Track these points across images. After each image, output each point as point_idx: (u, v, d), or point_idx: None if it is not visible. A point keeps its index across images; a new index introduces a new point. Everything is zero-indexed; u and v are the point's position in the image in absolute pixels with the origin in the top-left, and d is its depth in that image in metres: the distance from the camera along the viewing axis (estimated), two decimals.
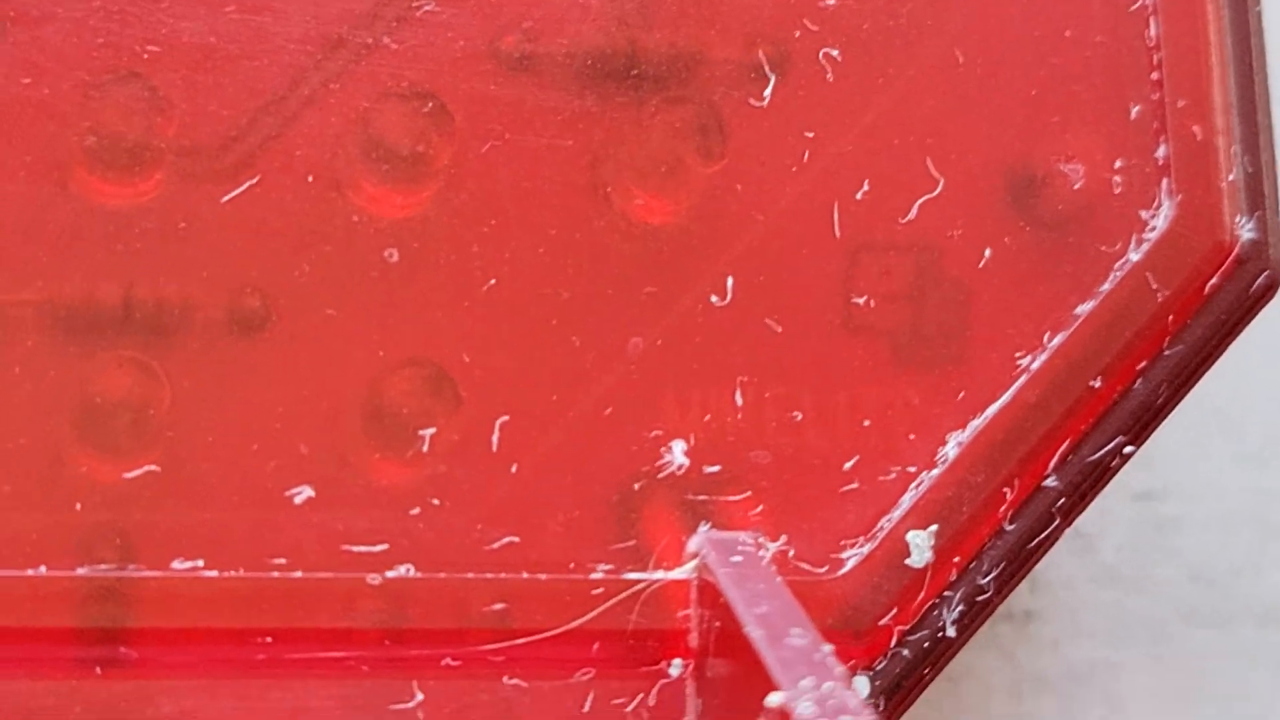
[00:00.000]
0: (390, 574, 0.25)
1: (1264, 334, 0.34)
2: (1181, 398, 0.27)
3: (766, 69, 0.26)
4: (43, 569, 0.25)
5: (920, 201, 0.26)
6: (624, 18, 0.26)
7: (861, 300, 0.26)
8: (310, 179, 0.26)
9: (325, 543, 0.25)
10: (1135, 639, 0.34)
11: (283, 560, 0.25)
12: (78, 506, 0.25)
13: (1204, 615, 0.34)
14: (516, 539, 0.26)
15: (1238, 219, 0.26)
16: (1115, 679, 0.34)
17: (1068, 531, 0.30)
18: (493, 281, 0.26)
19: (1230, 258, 0.27)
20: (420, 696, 0.25)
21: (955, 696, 0.33)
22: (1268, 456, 0.34)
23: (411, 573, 0.25)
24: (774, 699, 0.22)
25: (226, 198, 0.26)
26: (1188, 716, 0.33)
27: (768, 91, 0.26)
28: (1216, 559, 0.34)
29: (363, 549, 0.25)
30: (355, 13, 0.26)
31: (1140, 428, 0.26)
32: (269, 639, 0.25)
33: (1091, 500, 0.26)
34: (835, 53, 0.27)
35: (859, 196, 0.26)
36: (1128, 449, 0.26)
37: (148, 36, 0.26)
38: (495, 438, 0.26)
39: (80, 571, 0.25)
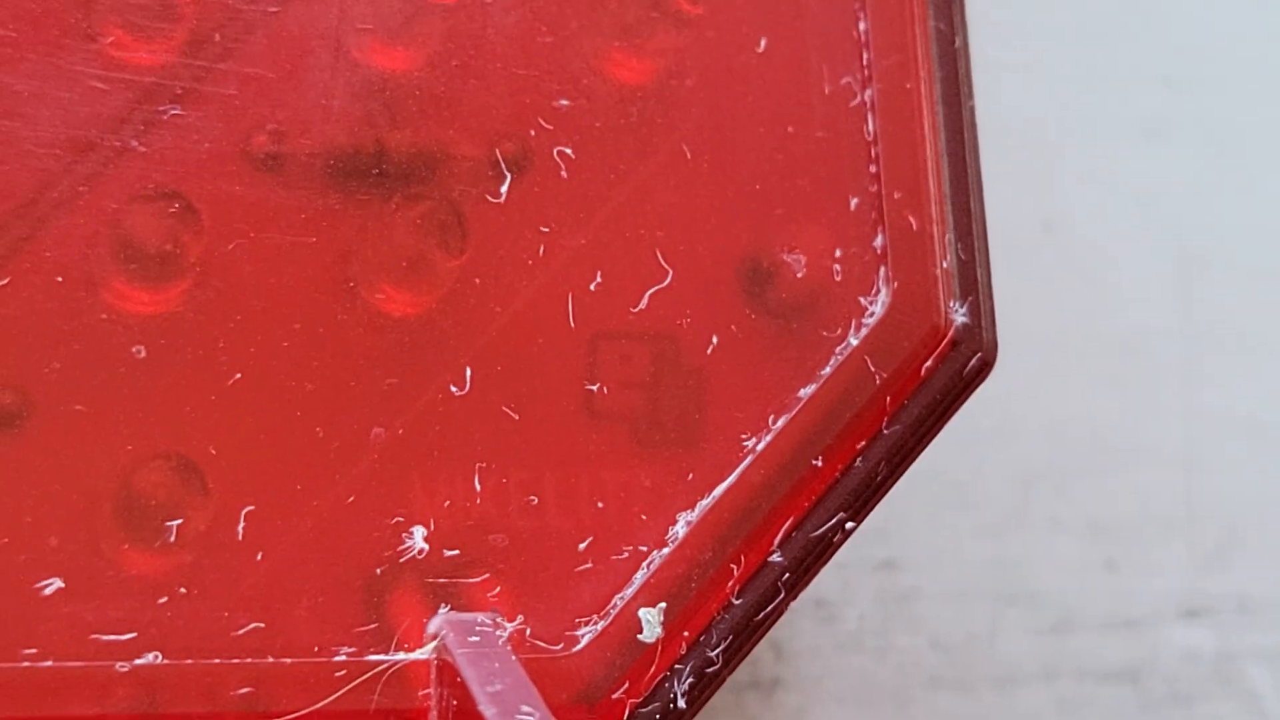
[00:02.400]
0: (139, 661, 0.26)
1: (997, 410, 0.36)
2: (900, 475, 0.27)
3: (504, 167, 0.27)
4: None
5: (651, 291, 0.27)
6: (369, 118, 0.27)
7: (596, 387, 0.27)
8: (60, 279, 0.26)
9: (75, 632, 0.26)
10: (879, 704, 0.35)
11: (33, 650, 0.25)
12: None
13: (945, 680, 0.35)
14: (263, 624, 0.26)
15: (951, 304, 0.27)
16: None
17: (812, 601, 0.31)
18: (239, 375, 0.26)
19: (944, 341, 0.27)
20: None
21: None
22: (1003, 528, 0.35)
23: (160, 659, 0.26)
24: None
25: None
26: None
27: (504, 188, 0.27)
28: (955, 626, 0.35)
29: (112, 637, 0.26)
30: (104, 117, 0.27)
31: (861, 504, 0.27)
32: None
33: (815, 574, 0.27)
34: (569, 150, 0.27)
35: (593, 288, 0.27)
36: (849, 525, 0.27)
37: None
38: (241, 527, 0.26)
39: None
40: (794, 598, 0.27)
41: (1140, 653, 0.35)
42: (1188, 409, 0.36)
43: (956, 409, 0.28)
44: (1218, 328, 0.36)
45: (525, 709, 0.24)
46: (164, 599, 0.26)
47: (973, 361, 0.28)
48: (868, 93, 0.28)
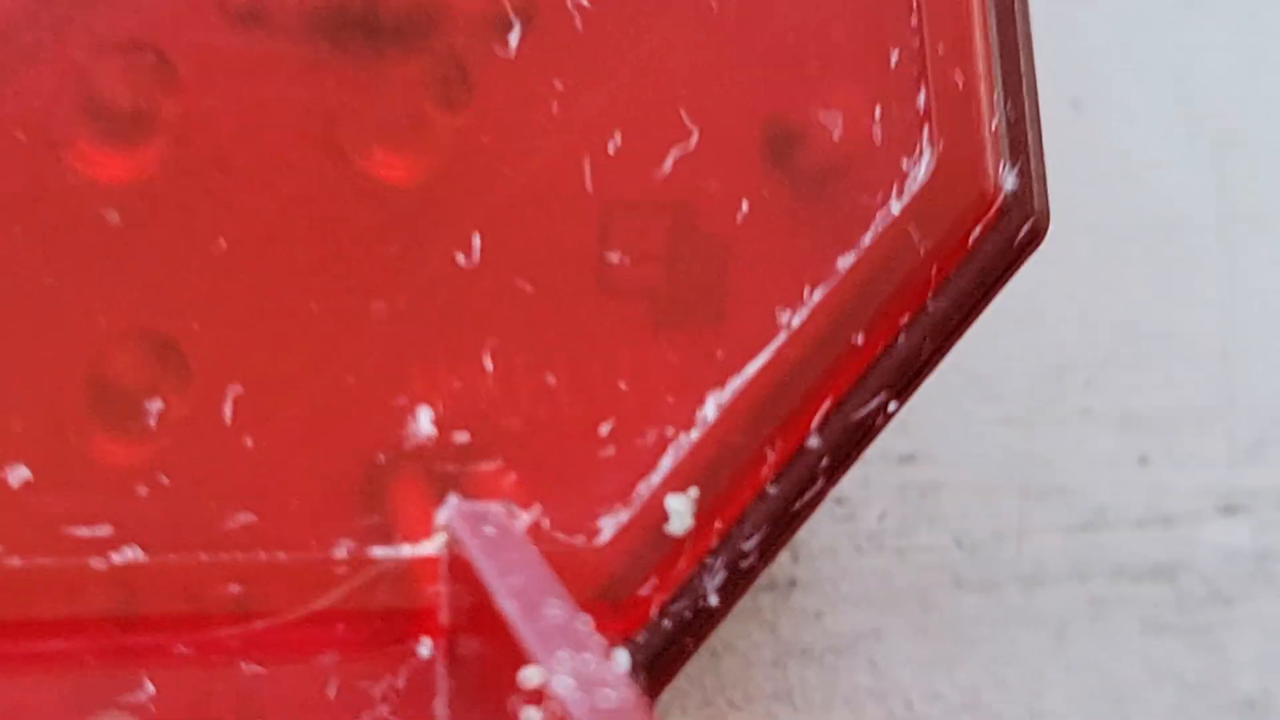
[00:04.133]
0: (116, 558, 0.25)
1: (1025, 296, 0.35)
2: (946, 352, 0.27)
3: (511, 16, 0.26)
4: None
5: (674, 154, 0.26)
6: None
7: (616, 258, 0.26)
8: (21, 137, 0.25)
9: (45, 526, 0.25)
10: (900, 606, 0.34)
11: (105, 530, 0.25)
12: None
13: (969, 580, 0.34)
14: (253, 517, 0.25)
15: (1001, 167, 0.26)
16: (880, 646, 0.33)
17: (829, 498, 0.30)
18: (222, 244, 0.25)
19: (993, 207, 0.27)
20: (151, 688, 0.25)
21: (716, 671, 0.33)
22: (1032, 421, 0.34)
23: (139, 556, 0.25)
24: (529, 675, 0.22)
25: None
26: (954, 681, 0.34)
27: (513, 40, 0.26)
28: (981, 524, 0.34)
29: (86, 532, 0.25)
30: None
31: (904, 384, 0.27)
32: None
33: (855, 460, 0.26)
34: (585, 1, 0.26)
35: (611, 150, 0.26)
36: (891, 406, 0.26)
37: None
38: (228, 410, 0.25)
39: None
40: (833, 485, 0.26)
41: (1177, 551, 0.35)
42: (1226, 297, 0.35)
43: (1006, 280, 0.27)
44: (1258, 212, 0.35)
45: (552, 603, 0.23)
46: (143, 489, 0.25)
47: (1024, 230, 0.27)
48: None
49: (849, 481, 0.33)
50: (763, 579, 0.32)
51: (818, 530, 0.33)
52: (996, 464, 0.34)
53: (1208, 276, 0.35)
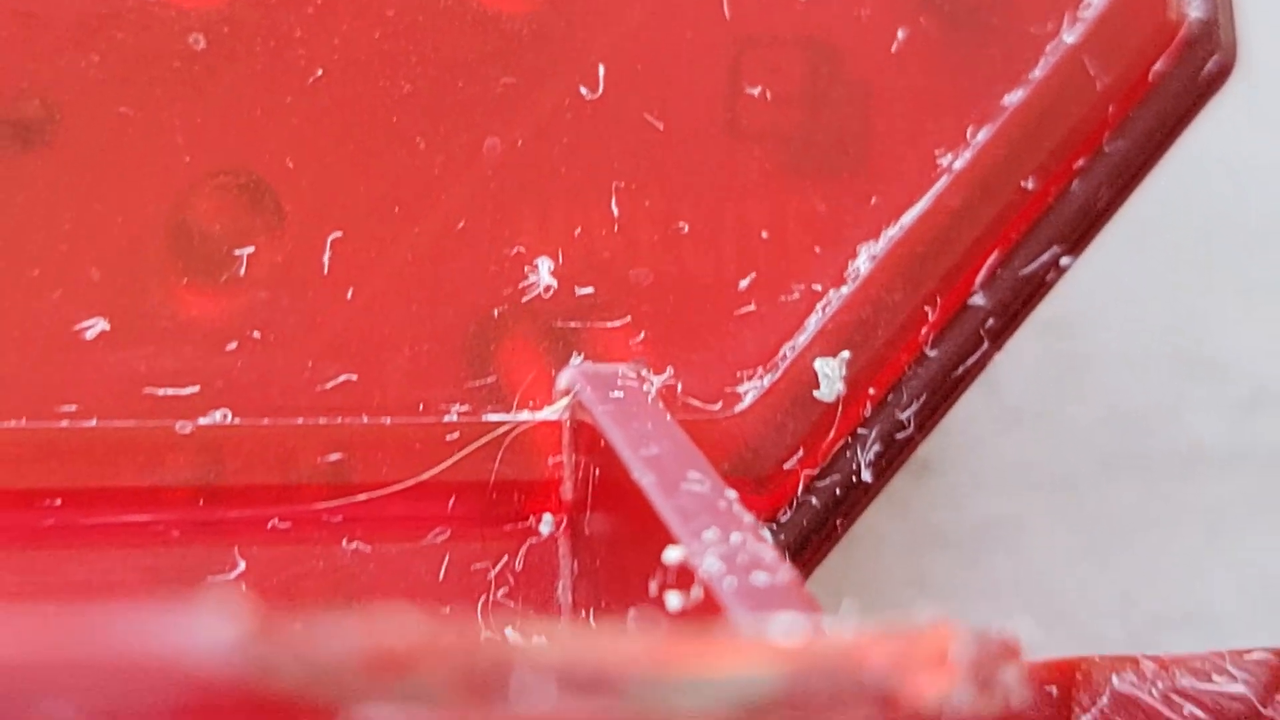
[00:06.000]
0: (204, 421, 0.24)
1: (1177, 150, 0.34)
2: (1124, 199, 0.26)
3: None
4: None
5: None
6: None
7: (756, 93, 0.25)
8: None
9: (124, 385, 0.24)
10: (1044, 490, 0.34)
11: (73, 407, 0.24)
12: None
13: (1119, 463, 0.34)
14: (354, 377, 0.25)
15: None
16: (1021, 533, 0.33)
17: None
18: (319, 73, 0.24)
19: (1177, 39, 0.26)
20: (242, 565, 0.24)
21: (845, 555, 0.32)
22: (1190, 287, 0.34)
23: (229, 419, 0.25)
24: (673, 555, 0.20)
25: None
26: (1103, 573, 0.33)
27: None
28: (1133, 399, 0.34)
29: (170, 392, 0.24)
30: None
31: (1079, 236, 0.26)
32: (58, 501, 0.24)
33: (1024, 319, 0.26)
34: None
35: None
36: (1064, 260, 0.25)
37: None
38: (326, 258, 0.25)
39: None
40: (999, 348, 0.26)
41: None
42: None
43: (1190, 120, 0.26)
44: None
45: (694, 476, 0.22)
46: (233, 345, 0.24)
47: (1209, 64, 0.26)
48: None
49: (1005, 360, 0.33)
50: None
51: (956, 405, 0.33)
52: (1153, 334, 0.34)
53: None
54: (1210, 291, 0.34)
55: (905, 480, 0.33)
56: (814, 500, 0.25)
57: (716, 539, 0.21)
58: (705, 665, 0.16)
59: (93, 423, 0.24)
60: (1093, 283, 0.34)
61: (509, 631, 0.16)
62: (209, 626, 0.14)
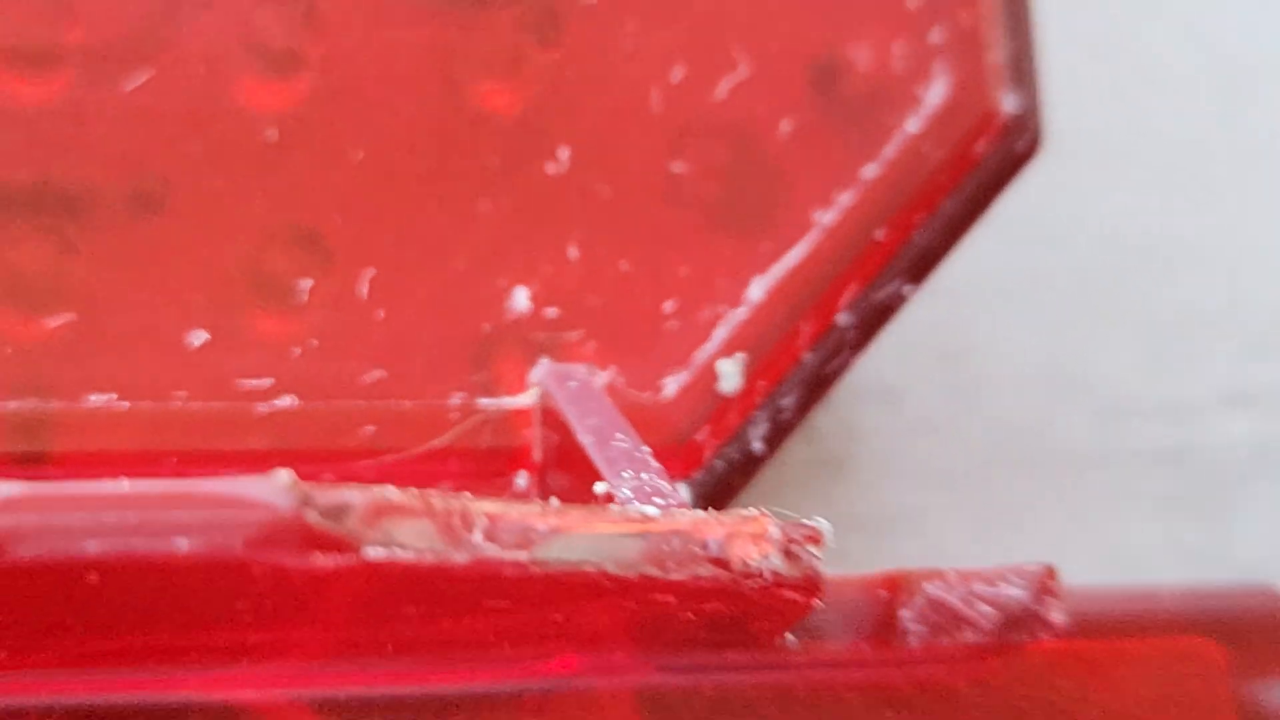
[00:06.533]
0: (276, 404, 0.28)
1: (1049, 214, 0.37)
2: (954, 246, 0.30)
3: None
4: None
5: (730, 84, 0.29)
6: None
7: (680, 169, 0.29)
8: (198, 72, 0.28)
9: (218, 379, 0.28)
10: (944, 484, 0.36)
11: (184, 393, 0.27)
12: (8, 351, 0.28)
13: (1006, 462, 0.36)
14: (385, 373, 0.28)
15: (1002, 93, 0.30)
16: (925, 522, 0.35)
17: (880, 389, 0.33)
18: (359, 155, 0.28)
19: (996, 126, 0.29)
20: None
21: None
22: (1060, 325, 0.36)
23: (294, 403, 0.28)
24: (600, 488, 0.25)
25: (129, 88, 0.28)
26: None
27: None
28: (1016, 413, 0.36)
29: (252, 383, 0.28)
30: None
31: (918, 271, 0.29)
32: (174, 460, 0.27)
33: (877, 334, 0.29)
34: None
35: (676, 80, 0.29)
36: (907, 289, 0.29)
37: None
38: (364, 288, 0.28)
39: (10, 406, 0.27)
40: (856, 355, 0.29)
41: (1184, 438, 0.36)
42: (1235, 212, 0.37)
43: (1005, 187, 0.30)
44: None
45: (619, 436, 0.26)
46: (297, 350, 0.28)
47: (1020, 144, 0.30)
48: None
49: (900, 375, 0.36)
50: (820, 455, 0.36)
51: (868, 415, 0.36)
52: (1030, 361, 0.36)
53: (1217, 195, 0.37)
54: (1075, 323, 0.37)
55: (826, 477, 0.35)
56: (719, 464, 0.28)
57: (630, 477, 0.25)
58: (596, 528, 0.22)
59: (196, 405, 0.27)
60: (982, 321, 0.36)
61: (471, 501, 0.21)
62: (275, 484, 0.20)
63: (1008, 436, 0.36)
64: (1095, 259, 0.37)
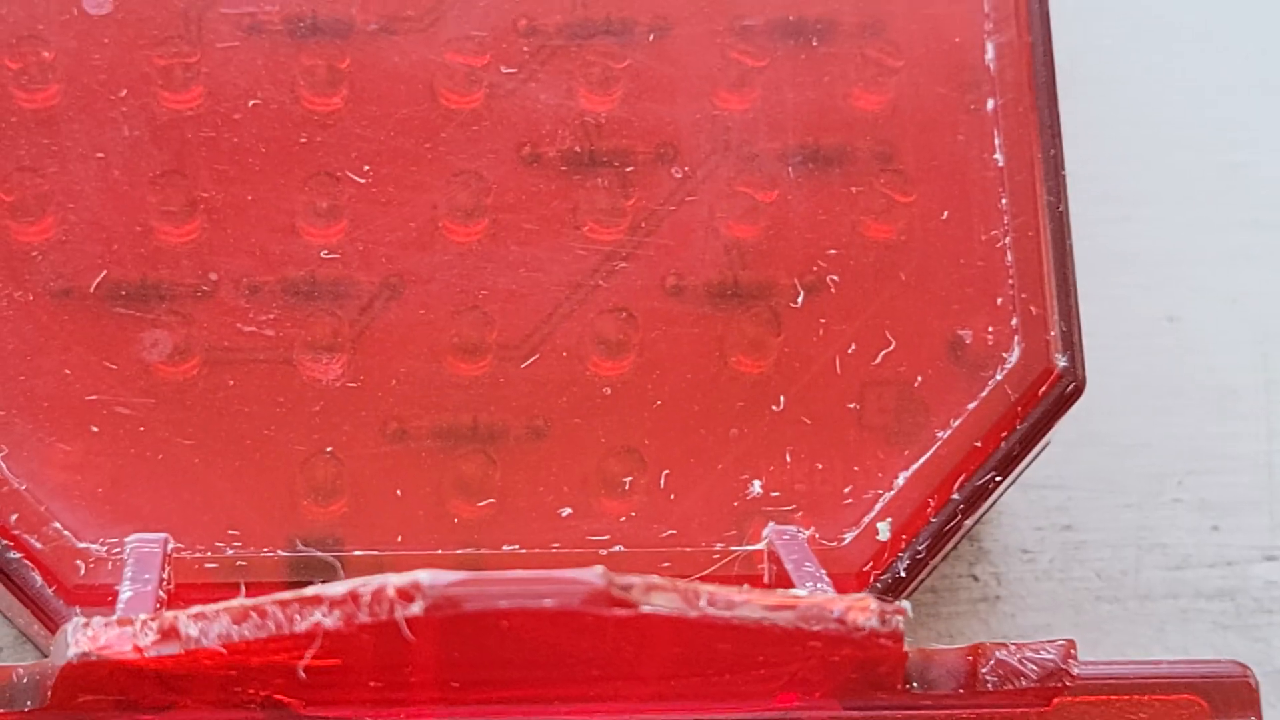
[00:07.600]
0: (611, 550, 0.37)
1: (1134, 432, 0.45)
2: (1029, 450, 0.37)
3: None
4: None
5: (885, 352, 0.38)
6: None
7: (856, 407, 0.37)
8: (564, 354, 0.37)
9: (578, 537, 0.37)
10: (1063, 611, 0.43)
11: (556, 544, 0.36)
12: (454, 522, 0.36)
13: (1104, 598, 0.43)
14: (675, 531, 0.37)
15: (1055, 355, 0.38)
16: (1050, 634, 0.42)
17: (1019, 550, 0.43)
18: (660, 402, 0.37)
19: (1053, 376, 0.38)
20: None
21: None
22: (1142, 506, 0.44)
23: (622, 549, 0.37)
24: (796, 592, 0.35)
25: (524, 365, 0.37)
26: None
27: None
28: (1112, 565, 0.43)
29: (597, 538, 0.37)
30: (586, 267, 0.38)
31: (1006, 468, 0.37)
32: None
33: (980, 508, 0.37)
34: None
35: (851, 351, 0.38)
36: (998, 479, 0.37)
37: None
38: (663, 481, 0.37)
39: (455, 552, 0.36)
40: (967, 518, 0.37)
41: (1235, 582, 0.43)
42: (1270, 432, 0.44)
43: (1061, 415, 0.38)
44: None
45: (808, 564, 0.35)
46: (623, 518, 0.37)
47: (1070, 388, 0.38)
48: (1007, 238, 0.39)
49: (1034, 540, 0.43)
50: (980, 595, 0.43)
51: (1012, 567, 0.43)
52: (1122, 530, 0.44)
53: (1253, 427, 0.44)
54: (1152, 503, 0.43)
55: (985, 609, 0.41)
56: (877, 585, 0.36)
57: (813, 587, 0.34)
58: (769, 600, 0.31)
59: (565, 551, 0.36)
60: (1088, 503, 0.43)
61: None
62: (594, 572, 0.28)
63: (1106, 583, 0.43)
64: (1160, 462, 0.44)
